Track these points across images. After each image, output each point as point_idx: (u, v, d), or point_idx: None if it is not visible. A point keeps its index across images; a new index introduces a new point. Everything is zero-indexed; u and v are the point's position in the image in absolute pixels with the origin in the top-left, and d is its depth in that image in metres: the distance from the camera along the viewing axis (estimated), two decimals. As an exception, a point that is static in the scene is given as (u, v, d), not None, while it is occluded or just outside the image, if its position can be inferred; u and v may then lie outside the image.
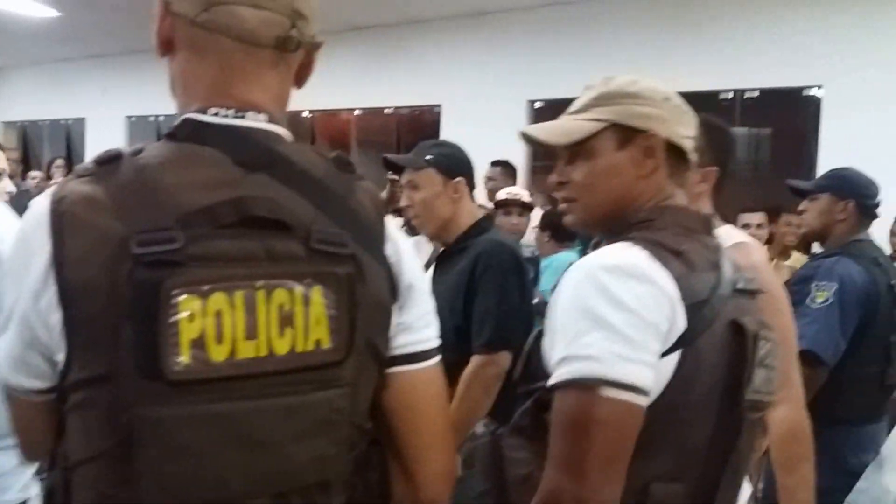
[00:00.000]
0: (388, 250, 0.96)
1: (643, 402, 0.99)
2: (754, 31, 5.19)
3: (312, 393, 0.88)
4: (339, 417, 0.91)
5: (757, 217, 4.34)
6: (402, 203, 2.23)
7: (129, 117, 9.27)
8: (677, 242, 1.08)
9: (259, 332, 0.83)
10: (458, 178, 2.18)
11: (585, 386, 0.98)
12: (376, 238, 0.95)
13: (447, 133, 6.53)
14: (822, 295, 2.43)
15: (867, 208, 2.61)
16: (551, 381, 1.01)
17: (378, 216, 0.97)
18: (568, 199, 1.24)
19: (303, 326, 0.86)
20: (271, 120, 0.92)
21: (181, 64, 0.94)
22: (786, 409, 1.74)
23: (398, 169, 2.25)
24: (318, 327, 0.88)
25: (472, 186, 2.25)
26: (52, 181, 6.57)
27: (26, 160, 10.20)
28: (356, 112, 7.44)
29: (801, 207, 2.73)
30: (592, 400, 0.98)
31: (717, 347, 1.05)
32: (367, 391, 0.95)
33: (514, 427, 1.12)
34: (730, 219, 1.93)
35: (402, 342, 0.99)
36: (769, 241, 4.46)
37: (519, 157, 6.08)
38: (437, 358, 1.04)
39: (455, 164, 2.19)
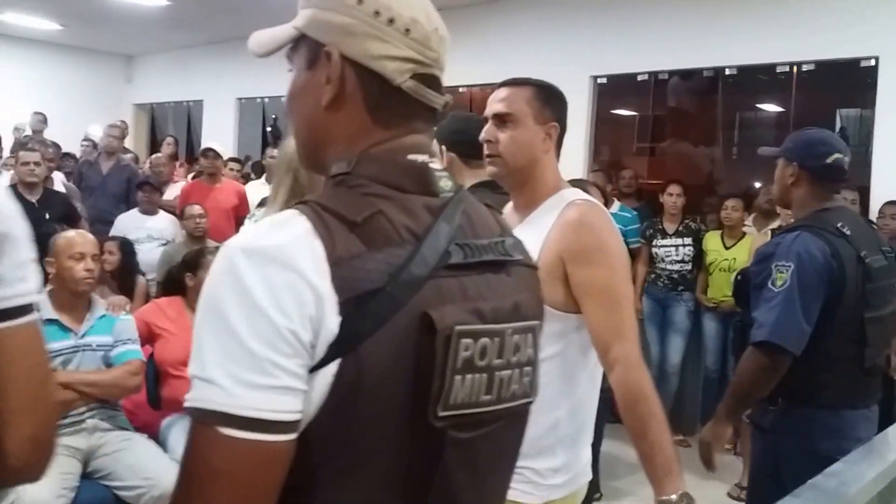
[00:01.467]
0: None
1: (283, 438, 0.77)
2: (809, 2, 5.16)
3: None
4: None
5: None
6: None
7: (240, 99, 9.78)
8: (360, 208, 0.84)
9: None
10: None
11: (203, 422, 0.76)
12: None
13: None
14: (781, 277, 2.28)
15: (816, 170, 2.39)
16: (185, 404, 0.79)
17: None
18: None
19: None
20: None
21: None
22: (621, 370, 1.65)
23: None
24: None
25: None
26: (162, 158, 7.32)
27: (154, 140, 11.17)
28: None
29: None
30: (211, 441, 0.76)
31: (397, 351, 0.81)
32: None
33: None
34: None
35: None
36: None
37: (580, 138, 6.20)
38: (33, 315, 0.91)
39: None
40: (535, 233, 1.72)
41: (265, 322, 0.76)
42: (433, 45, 0.94)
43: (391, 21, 0.90)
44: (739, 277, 2.77)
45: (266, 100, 9.61)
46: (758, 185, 6.15)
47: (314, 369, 0.78)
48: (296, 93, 0.96)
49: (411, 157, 0.91)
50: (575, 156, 6.14)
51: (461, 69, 7.28)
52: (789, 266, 2.27)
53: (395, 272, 0.81)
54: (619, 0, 6.08)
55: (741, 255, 5.00)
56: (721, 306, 5.10)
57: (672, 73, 5.98)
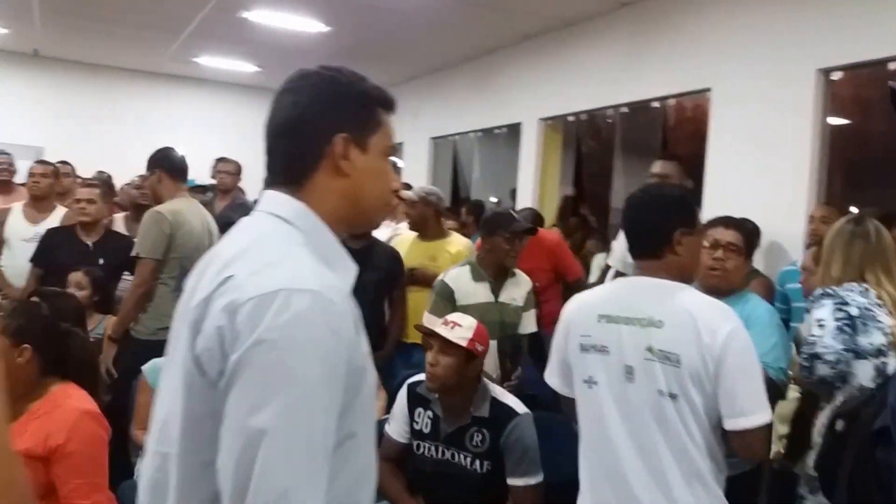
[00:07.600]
0: None
1: None
2: None
3: None
4: None
5: None
6: None
7: (434, 138, 9.32)
8: None
9: None
10: None
11: None
12: None
13: (719, 122, 5.27)
14: None
15: None
16: None
17: None
18: None
19: None
20: None
21: None
22: None
23: None
24: None
25: None
26: None
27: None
28: (622, 110, 6.46)
29: None
30: None
31: None
32: None
33: None
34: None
35: None
36: None
37: (805, 156, 4.65)
38: None
39: None
40: None
41: None
42: None
43: None
44: None
45: (456, 137, 9.00)
46: None
47: None
48: None
49: None
50: (798, 182, 4.63)
51: (653, 77, 6.01)
52: None
53: None
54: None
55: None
56: None
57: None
